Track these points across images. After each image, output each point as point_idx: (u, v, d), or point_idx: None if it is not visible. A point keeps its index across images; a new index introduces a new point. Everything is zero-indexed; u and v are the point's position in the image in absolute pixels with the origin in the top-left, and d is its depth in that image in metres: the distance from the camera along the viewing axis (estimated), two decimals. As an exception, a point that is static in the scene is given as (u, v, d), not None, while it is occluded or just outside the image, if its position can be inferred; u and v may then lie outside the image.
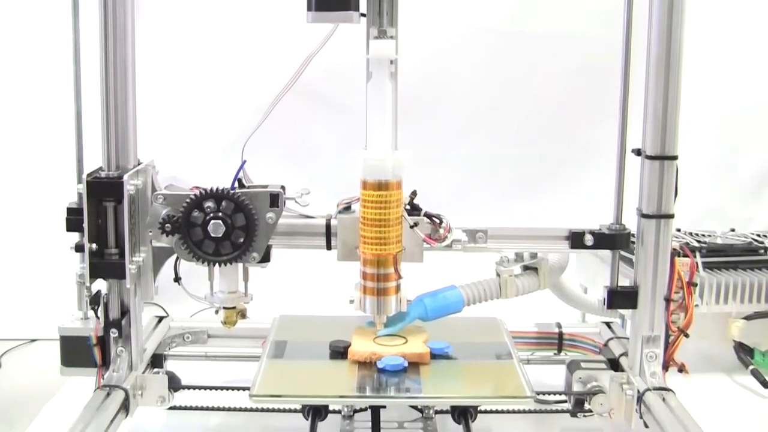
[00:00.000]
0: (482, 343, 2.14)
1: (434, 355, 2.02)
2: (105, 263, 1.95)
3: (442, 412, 2.09)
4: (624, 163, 2.06)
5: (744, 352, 2.54)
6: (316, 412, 2.02)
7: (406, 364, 1.97)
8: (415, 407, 2.12)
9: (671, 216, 2.01)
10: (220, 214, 1.92)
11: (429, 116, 3.13)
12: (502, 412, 2.19)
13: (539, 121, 3.22)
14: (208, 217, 1.92)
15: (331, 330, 2.12)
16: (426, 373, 1.97)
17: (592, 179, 3.13)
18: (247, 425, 2.22)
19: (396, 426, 2.06)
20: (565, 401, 2.19)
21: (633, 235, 2.07)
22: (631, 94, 2.04)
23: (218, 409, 2.20)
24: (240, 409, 2.19)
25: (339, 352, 2.04)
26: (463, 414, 2.02)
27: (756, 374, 2.48)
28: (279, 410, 2.17)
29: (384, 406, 2.07)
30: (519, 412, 2.21)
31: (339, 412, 2.09)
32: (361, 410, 2.09)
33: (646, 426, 1.98)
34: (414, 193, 1.99)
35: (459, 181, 3.22)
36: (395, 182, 1.90)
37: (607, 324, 2.40)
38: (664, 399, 1.99)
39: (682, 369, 2.11)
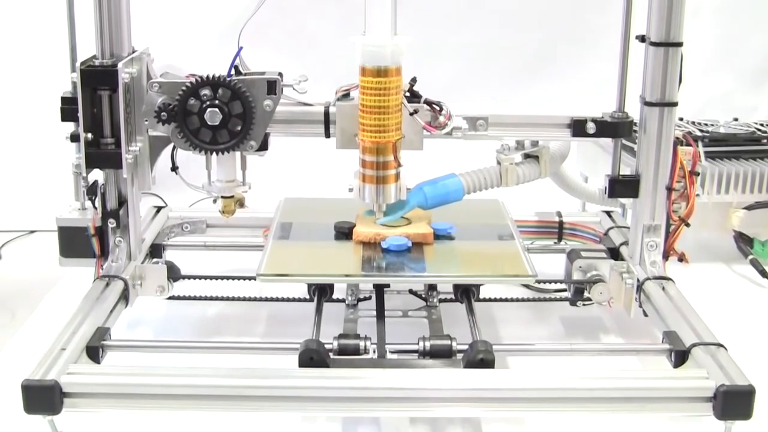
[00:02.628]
0: (485, 224, 2.15)
1: (438, 236, 2.03)
2: (101, 153, 1.93)
3: (445, 300, 2.10)
4: (628, 49, 2.02)
5: (744, 241, 2.55)
6: (322, 292, 2.05)
7: (410, 245, 1.98)
8: (419, 296, 2.14)
9: (675, 104, 1.99)
10: (216, 101, 1.89)
11: (429, 1, 3.08)
12: (503, 300, 2.20)
13: (541, 7, 3.17)
14: (204, 105, 1.89)
15: (336, 212, 2.12)
16: (430, 253, 1.98)
17: (595, 66, 3.09)
18: (245, 314, 2.23)
19: (400, 314, 2.08)
20: (564, 290, 2.21)
21: (635, 124, 2.05)
22: (636, -21, 2.00)
23: (217, 298, 2.21)
24: (239, 299, 2.20)
25: (344, 233, 2.05)
26: (465, 293, 2.04)
27: (755, 264, 2.49)
28: (277, 299, 2.18)
29: (388, 285, 2.08)
30: (519, 300, 2.22)
31: (343, 301, 2.10)
32: (365, 299, 2.11)
33: (645, 315, 1.99)
34: (414, 80, 1.96)
35: (459, 68, 3.19)
36: (394, 68, 1.87)
37: (608, 213, 2.40)
38: (663, 288, 1.99)
39: (682, 258, 2.11)
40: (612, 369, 1.85)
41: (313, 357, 1.73)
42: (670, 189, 2.03)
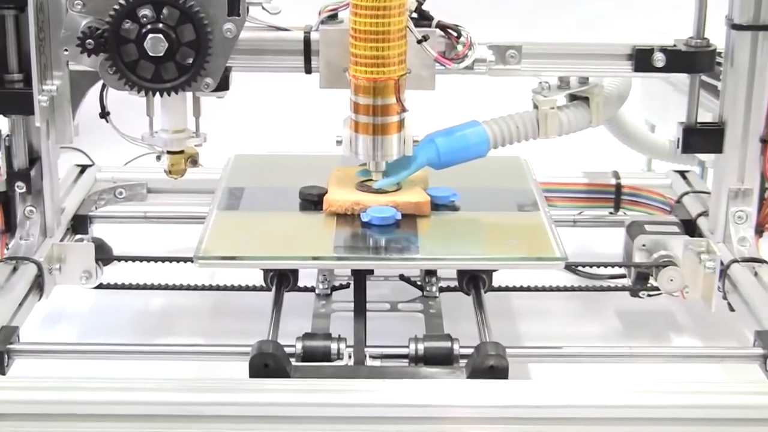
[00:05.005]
0: (499, 189, 2.14)
1: (436, 205, 2.02)
2: (6, 93, 1.94)
3: (448, 289, 2.10)
4: (709, -45, 2.02)
5: None
6: (282, 280, 2.04)
7: (398, 217, 1.97)
8: (413, 283, 2.13)
9: (773, 27, 1.99)
10: (160, 25, 1.87)
11: None
12: (538, 289, 2.19)
13: None
14: (144, 30, 1.87)
15: (302, 173, 2.12)
16: (425, 227, 1.97)
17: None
18: (198, 306, 2.24)
19: (388, 308, 2.08)
20: (623, 276, 2.21)
21: (720, 54, 2.04)
22: None
23: (161, 287, 2.20)
24: (190, 288, 2.19)
25: (312, 201, 2.03)
26: (473, 281, 2.04)
27: None
28: (239, 288, 2.18)
29: (371, 272, 2.08)
30: (563, 289, 2.21)
31: (313, 289, 2.10)
32: (342, 287, 2.11)
33: (732, 309, 1.99)
34: (423, -4, 1.96)
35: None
36: (397, -19, 1.87)
37: (682, 173, 2.40)
38: (756, 273, 1.99)
39: (781, 233, 2.11)
40: (686, 380, 1.83)
41: (268, 364, 1.73)
42: (765, 141, 2.02)
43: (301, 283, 2.08)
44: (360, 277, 2.05)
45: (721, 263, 2.00)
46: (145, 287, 2.19)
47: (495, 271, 2.06)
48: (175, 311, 2.23)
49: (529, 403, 1.65)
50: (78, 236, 2.18)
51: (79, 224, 2.21)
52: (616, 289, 2.23)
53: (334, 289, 2.11)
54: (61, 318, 2.18)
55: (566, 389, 1.67)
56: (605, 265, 2.21)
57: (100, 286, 2.12)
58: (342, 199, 2.00)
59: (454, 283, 2.09)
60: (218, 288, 2.18)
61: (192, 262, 2.09)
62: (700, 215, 2.19)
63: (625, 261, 2.13)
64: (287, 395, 1.67)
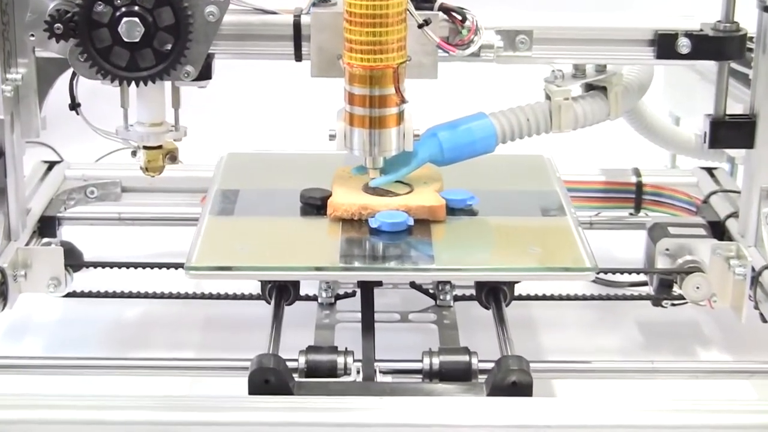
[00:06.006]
0: (522, 192, 2.14)
1: (452, 210, 2.02)
2: (-34, 82, 1.94)
3: (464, 298, 2.09)
4: (739, -69, 2.02)
5: None
6: (282, 292, 2.03)
7: (410, 222, 1.96)
8: (425, 291, 2.13)
9: (810, 9, 1.98)
10: (136, 8, 1.87)
11: None
12: (551, 298, 2.19)
13: None
14: (118, 13, 1.87)
15: (303, 174, 2.12)
16: (440, 234, 1.96)
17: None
18: (183, 317, 2.23)
19: (397, 318, 2.07)
20: (644, 283, 2.21)
21: (751, 39, 2.03)
22: None
23: (138, 295, 2.18)
24: (170, 296, 2.19)
25: (314, 205, 2.03)
26: (493, 293, 2.03)
27: None
28: (226, 296, 2.17)
29: (379, 283, 2.07)
30: (579, 298, 2.21)
31: (315, 298, 2.10)
32: (347, 295, 2.11)
33: (764, 320, 1.98)
34: (425, -23, 1.95)
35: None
36: (396, -41, 1.86)
37: (709, 171, 2.40)
38: (791, 281, 1.99)
39: (819, 237, 2.11)
40: (714, 398, 1.84)
41: (269, 379, 1.73)
42: (800, 135, 2.02)
43: (302, 292, 2.08)
44: (367, 286, 2.04)
45: (753, 269, 1.99)
46: (120, 295, 2.18)
47: (517, 282, 2.06)
48: (154, 322, 2.23)
49: (555, 423, 1.65)
50: (45, 240, 2.17)
51: (46, 226, 2.20)
52: (637, 297, 2.22)
53: (338, 298, 2.10)
54: (27, 329, 2.19)
55: (595, 408, 1.67)
56: (625, 272, 2.21)
57: (69, 295, 2.11)
58: (348, 202, 1.99)
59: (470, 291, 2.08)
60: (209, 297, 2.18)
61: (172, 268, 2.10)
62: (729, 216, 2.18)
63: (647, 267, 2.12)
64: (290, 414, 1.67)
